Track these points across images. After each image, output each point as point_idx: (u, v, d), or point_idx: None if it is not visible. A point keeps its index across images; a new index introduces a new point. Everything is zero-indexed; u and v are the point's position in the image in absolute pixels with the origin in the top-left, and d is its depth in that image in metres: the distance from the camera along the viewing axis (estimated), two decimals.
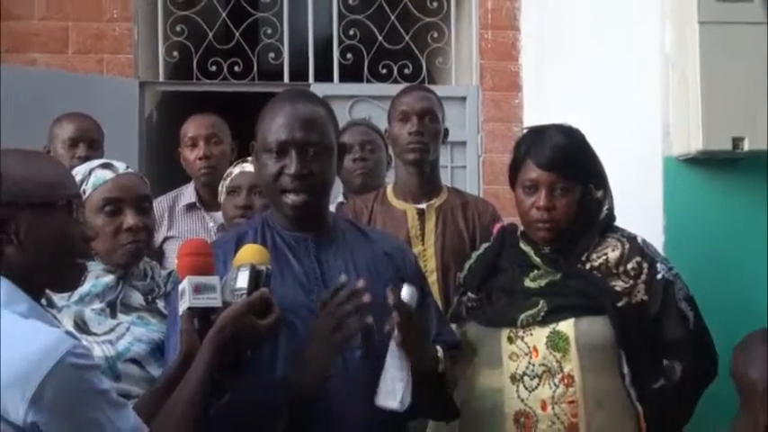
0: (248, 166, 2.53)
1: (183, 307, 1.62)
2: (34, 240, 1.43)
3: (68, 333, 1.44)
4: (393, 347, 1.67)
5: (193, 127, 3.21)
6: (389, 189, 2.78)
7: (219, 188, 2.66)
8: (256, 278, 1.63)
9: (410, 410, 1.70)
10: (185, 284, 1.61)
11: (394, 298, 1.69)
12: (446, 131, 2.79)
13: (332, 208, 2.96)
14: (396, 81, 4.38)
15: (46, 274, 1.46)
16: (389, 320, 1.69)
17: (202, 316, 1.61)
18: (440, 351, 1.83)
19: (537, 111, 4.12)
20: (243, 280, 1.62)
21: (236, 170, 2.60)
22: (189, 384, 1.55)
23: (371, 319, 1.67)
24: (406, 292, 1.71)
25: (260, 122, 1.85)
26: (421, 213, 2.70)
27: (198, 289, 1.60)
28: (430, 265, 2.61)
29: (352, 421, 1.70)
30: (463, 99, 4.45)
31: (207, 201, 3.16)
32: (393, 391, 1.66)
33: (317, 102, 1.89)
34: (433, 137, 2.70)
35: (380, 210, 2.73)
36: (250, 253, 1.68)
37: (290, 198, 1.79)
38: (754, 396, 1.87)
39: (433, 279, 2.58)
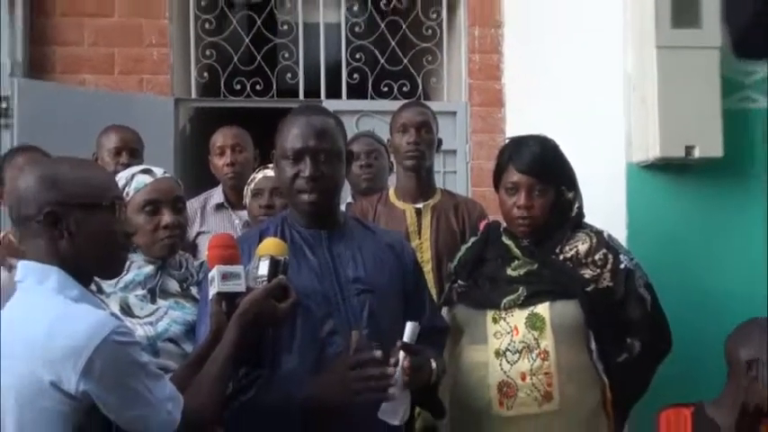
0: (270, 172, 2.53)
1: (212, 292, 1.62)
2: (83, 235, 1.43)
3: (113, 314, 1.45)
4: (397, 375, 1.66)
5: (221, 138, 3.20)
6: (391, 191, 2.78)
7: (245, 191, 2.65)
8: (275, 267, 1.62)
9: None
10: (214, 272, 1.61)
11: (400, 344, 1.69)
12: (440, 141, 2.79)
13: (342, 208, 2.97)
14: (396, 98, 4.37)
15: (93, 264, 1.47)
16: (393, 352, 1.68)
17: (229, 300, 1.61)
18: (434, 365, 1.80)
19: (517, 124, 4.11)
20: (263, 268, 1.62)
21: (259, 175, 2.59)
22: (217, 359, 1.55)
23: (395, 391, 1.66)
24: (409, 330, 1.71)
25: (279, 133, 1.84)
26: (418, 212, 2.69)
27: (225, 276, 1.60)
28: (426, 256, 2.61)
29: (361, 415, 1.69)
30: (454, 113, 4.44)
31: (233, 201, 3.16)
32: (395, 411, 1.66)
33: (328, 115, 1.88)
34: (428, 146, 2.70)
35: (383, 209, 2.73)
36: (270, 245, 1.68)
37: (305, 197, 1.79)
38: (739, 368, 1.93)
39: (428, 268, 2.57)
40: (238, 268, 1.63)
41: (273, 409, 1.66)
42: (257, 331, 1.63)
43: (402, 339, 1.70)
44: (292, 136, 1.79)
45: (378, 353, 1.66)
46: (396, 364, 1.66)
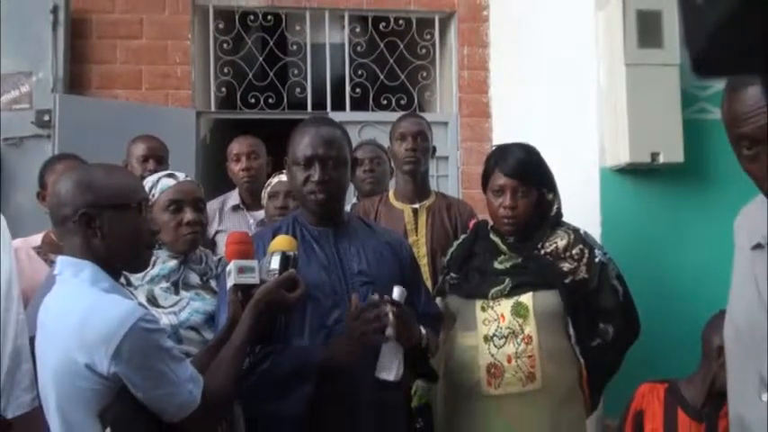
0: (284, 177, 2.54)
1: (229, 284, 1.62)
2: (114, 233, 1.43)
3: (140, 304, 1.44)
4: (389, 333, 1.66)
5: (237, 146, 3.20)
6: (391, 193, 2.78)
7: (262, 193, 2.66)
8: (286, 261, 1.62)
9: (402, 377, 1.70)
10: (231, 266, 1.61)
11: (388, 298, 1.68)
12: (434, 149, 2.79)
13: (347, 208, 2.96)
14: (394, 110, 4.36)
15: (122, 259, 1.47)
16: (384, 316, 1.67)
17: (245, 290, 1.61)
18: (423, 331, 1.81)
19: (503, 133, 4.11)
20: (275, 263, 1.62)
21: (275, 180, 2.60)
22: (234, 343, 1.55)
23: (390, 332, 1.65)
24: (397, 292, 1.70)
25: (291, 141, 1.84)
26: (415, 212, 2.69)
27: (241, 270, 1.60)
28: (422, 252, 2.60)
29: (363, 392, 1.70)
30: (446, 124, 4.43)
31: (248, 203, 3.15)
32: (390, 367, 1.65)
33: (336, 126, 1.88)
34: (424, 153, 2.70)
35: (384, 209, 2.72)
36: (281, 242, 1.67)
37: (314, 197, 1.79)
38: (711, 353, 1.94)
39: (424, 262, 2.57)
40: (253, 262, 1.63)
41: (288, 375, 1.66)
42: (270, 318, 1.63)
43: (392, 299, 1.69)
44: (303, 145, 1.79)
45: (374, 296, 1.67)
46: (386, 314, 1.65)
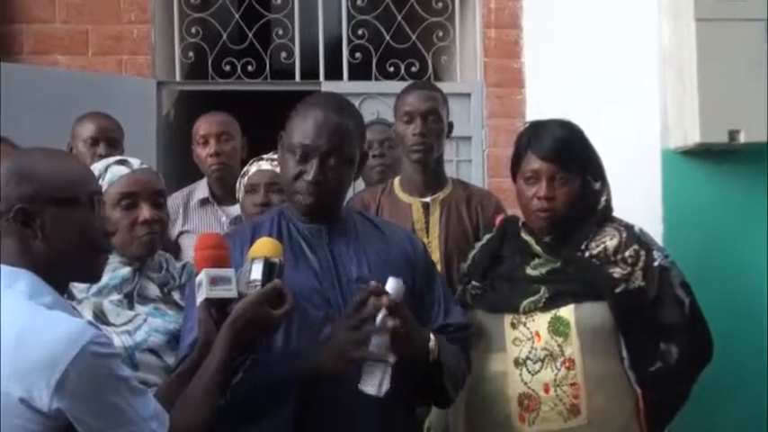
0: (265, 164, 2.51)
1: (200, 298, 1.62)
2: (59, 234, 1.43)
3: (90, 323, 1.44)
4: (375, 336, 1.66)
5: (205, 125, 3.20)
6: (396, 182, 2.78)
7: (237, 185, 2.62)
8: (270, 270, 1.63)
9: (403, 396, 1.71)
10: (202, 276, 1.61)
11: (377, 287, 1.68)
12: (450, 126, 2.77)
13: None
14: (403, 79, 4.37)
15: (69, 267, 1.47)
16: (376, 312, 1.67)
17: (219, 306, 1.62)
18: (432, 340, 1.79)
19: (539, 106, 4.11)
20: (257, 272, 1.62)
21: (252, 169, 2.56)
22: (207, 371, 1.55)
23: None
24: (392, 285, 1.70)
25: (292, 119, 1.84)
26: (426, 207, 2.69)
27: (214, 281, 1.61)
28: (434, 256, 2.57)
29: (361, 407, 1.70)
30: (468, 95, 4.44)
31: (219, 196, 3.16)
32: (371, 378, 1.65)
33: (349, 114, 1.85)
34: (436, 137, 2.68)
35: (387, 202, 2.73)
36: (264, 246, 1.68)
37: (301, 199, 1.80)
38: None
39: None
40: (229, 272, 1.63)
41: (264, 397, 1.67)
42: (250, 341, 1.64)
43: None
44: (304, 130, 1.79)
45: (372, 283, 1.67)
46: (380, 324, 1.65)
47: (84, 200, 1.46)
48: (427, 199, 2.71)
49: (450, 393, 1.88)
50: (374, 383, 1.65)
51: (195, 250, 1.68)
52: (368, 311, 1.66)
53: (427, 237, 2.65)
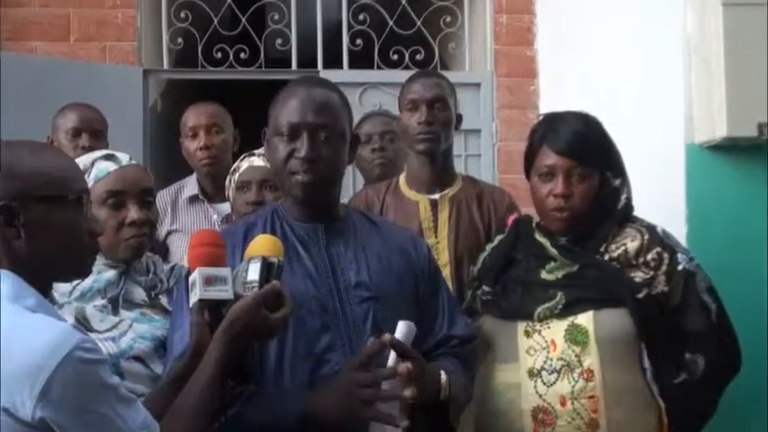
0: (257, 160, 2.51)
1: (193, 299, 1.62)
2: (44, 235, 1.43)
3: (76, 327, 1.44)
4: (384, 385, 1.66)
5: (193, 116, 3.21)
6: (402, 178, 2.78)
7: (227, 182, 2.62)
8: (268, 270, 1.62)
9: None
10: (196, 275, 1.61)
11: (389, 340, 1.68)
12: (459, 118, 2.77)
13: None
14: (407, 67, 4.38)
15: (54, 269, 1.47)
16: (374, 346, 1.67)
17: (213, 309, 1.62)
18: (443, 377, 1.80)
19: (553, 97, 4.11)
20: (254, 272, 1.62)
21: (244, 164, 2.56)
22: (200, 379, 1.55)
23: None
24: (402, 329, 1.71)
25: (273, 107, 1.86)
26: (434, 204, 2.69)
27: (209, 280, 1.61)
28: (442, 259, 2.59)
29: None
30: (477, 85, 4.45)
31: (210, 192, 3.16)
32: (383, 430, 1.66)
33: (332, 87, 1.89)
34: (443, 126, 2.68)
35: (392, 200, 2.72)
36: (262, 244, 1.68)
37: (299, 178, 1.80)
38: None
39: (445, 273, 2.53)
40: (224, 271, 1.63)
41: (263, 424, 1.67)
42: (246, 346, 1.64)
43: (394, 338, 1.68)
44: (289, 109, 1.81)
45: (386, 336, 1.66)
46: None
47: (73, 198, 1.46)
48: (435, 196, 2.70)
49: (456, 428, 1.90)
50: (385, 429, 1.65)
51: (189, 248, 1.69)
52: (379, 375, 1.65)
53: (435, 237, 2.65)
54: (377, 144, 3.06)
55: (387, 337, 1.67)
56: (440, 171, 2.72)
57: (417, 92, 2.69)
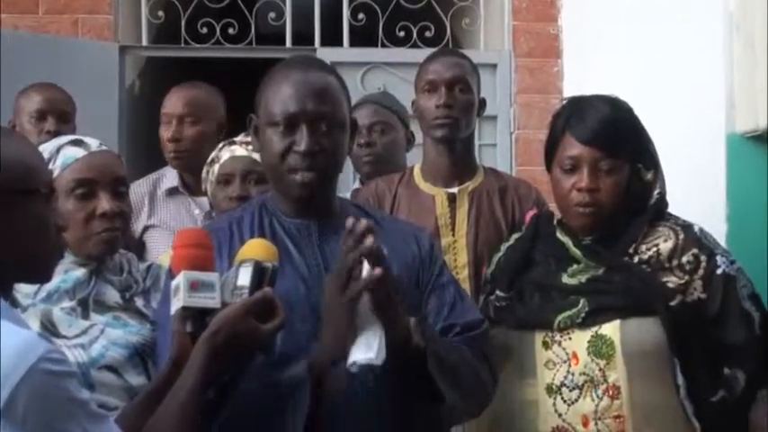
0: (239, 149, 2.48)
1: (175, 306, 1.62)
2: (7, 231, 1.43)
3: (42, 336, 1.43)
4: (363, 306, 1.67)
5: (170, 101, 3.18)
6: (416, 169, 2.79)
7: (204, 174, 2.59)
8: (260, 276, 1.63)
9: (400, 391, 1.74)
10: (180, 280, 1.61)
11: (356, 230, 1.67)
12: (482, 102, 2.78)
13: (347, 196, 2.96)
14: (415, 45, 4.38)
15: (17, 269, 1.47)
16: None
17: (197, 317, 1.62)
18: (411, 322, 1.77)
19: (579, 80, 4.11)
20: (245, 278, 1.62)
21: (224, 155, 2.52)
22: (179, 395, 1.55)
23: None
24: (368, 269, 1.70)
25: (262, 92, 1.85)
26: (452, 199, 2.70)
27: (194, 286, 1.60)
28: (461, 259, 2.62)
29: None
30: (493, 66, 4.45)
31: (191, 185, 3.14)
32: (368, 344, 1.65)
33: (329, 70, 1.90)
34: (464, 110, 2.68)
35: (405, 194, 2.73)
36: (254, 248, 1.68)
37: (299, 177, 1.80)
38: None
39: (464, 275, 2.58)
40: (212, 276, 1.63)
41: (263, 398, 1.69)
42: (232, 360, 1.63)
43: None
44: (283, 96, 1.81)
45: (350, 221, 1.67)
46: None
47: (41, 191, 1.46)
48: (454, 189, 2.71)
49: (445, 390, 1.81)
50: (372, 348, 1.65)
51: (174, 248, 1.68)
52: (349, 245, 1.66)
53: (453, 235, 2.66)
54: (363, 139, 3.04)
55: (350, 222, 1.67)
56: (459, 161, 2.73)
57: (436, 71, 2.69)
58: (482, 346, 1.93)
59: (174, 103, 3.17)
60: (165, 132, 3.14)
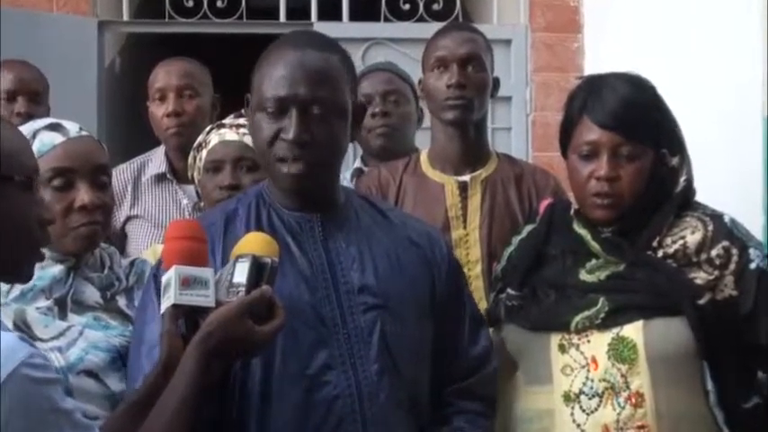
0: (229, 134, 2.45)
1: (166, 303, 1.63)
2: None
3: (23, 339, 1.43)
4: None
5: (163, 75, 3.20)
6: (424, 156, 2.79)
7: (190, 160, 2.57)
8: (258, 273, 1.63)
9: None
10: (171, 275, 1.62)
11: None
12: (496, 82, 2.78)
13: (347, 177, 2.96)
14: (422, 19, 4.38)
15: None
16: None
17: (190, 316, 1.63)
18: None
19: (601, 57, 4.11)
20: (241, 274, 1.63)
21: (213, 139, 2.49)
22: (169, 401, 1.56)
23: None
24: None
25: (257, 71, 1.85)
26: (463, 187, 2.70)
27: (186, 282, 1.61)
28: (473, 254, 2.62)
29: None
30: (507, 42, 4.44)
31: (180, 171, 3.14)
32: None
33: (332, 49, 1.88)
34: (477, 90, 2.68)
35: (412, 182, 2.73)
36: (253, 241, 1.69)
37: (285, 169, 1.79)
38: None
39: (476, 272, 2.59)
40: (206, 272, 1.64)
41: None
42: (227, 363, 1.65)
43: None
44: (275, 78, 1.80)
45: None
46: None
47: (21, 180, 1.46)
48: (465, 177, 2.71)
49: None
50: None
51: (165, 240, 1.69)
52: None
53: (464, 227, 2.66)
54: (378, 108, 3.05)
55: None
56: (471, 146, 2.73)
57: (447, 48, 2.69)
58: (492, 390, 1.99)
59: (168, 76, 3.18)
60: (161, 108, 3.15)
